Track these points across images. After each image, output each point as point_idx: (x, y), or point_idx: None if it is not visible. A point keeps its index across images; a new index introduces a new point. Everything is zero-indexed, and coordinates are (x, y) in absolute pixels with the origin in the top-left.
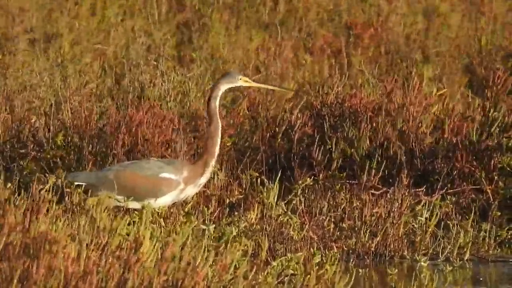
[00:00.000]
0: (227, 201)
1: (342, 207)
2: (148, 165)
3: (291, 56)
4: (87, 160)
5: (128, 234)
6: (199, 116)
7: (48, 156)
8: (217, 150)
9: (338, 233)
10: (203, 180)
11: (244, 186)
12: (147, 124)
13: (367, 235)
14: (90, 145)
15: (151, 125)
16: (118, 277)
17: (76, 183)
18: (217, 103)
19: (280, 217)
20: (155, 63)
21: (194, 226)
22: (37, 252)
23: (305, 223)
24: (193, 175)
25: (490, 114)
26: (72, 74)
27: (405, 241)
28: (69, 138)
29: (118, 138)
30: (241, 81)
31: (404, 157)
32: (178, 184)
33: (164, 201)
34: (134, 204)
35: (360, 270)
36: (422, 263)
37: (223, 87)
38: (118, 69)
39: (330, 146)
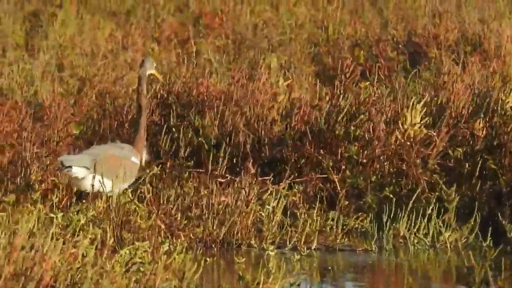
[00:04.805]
0: (75, 189)
1: (189, 195)
2: (121, 149)
3: (140, 45)
4: None
5: None
6: (46, 105)
7: None
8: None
9: (186, 221)
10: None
11: None
12: None
13: (214, 223)
14: None
15: (0, 113)
16: None
17: (70, 166)
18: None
19: (127, 205)
20: (2, 52)
21: (42, 214)
22: None
23: (153, 211)
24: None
25: (337, 103)
26: None
27: (253, 229)
28: None
29: None
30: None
31: (252, 146)
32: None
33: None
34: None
35: (208, 259)
36: (270, 252)
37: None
38: None
39: (177, 135)
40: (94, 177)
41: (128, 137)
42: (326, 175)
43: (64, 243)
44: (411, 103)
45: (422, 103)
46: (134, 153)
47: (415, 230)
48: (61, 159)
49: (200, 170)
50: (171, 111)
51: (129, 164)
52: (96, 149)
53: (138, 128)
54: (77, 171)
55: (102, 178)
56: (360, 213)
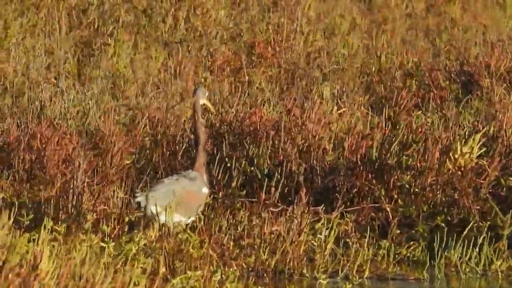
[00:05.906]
0: (127, 219)
1: (241, 225)
2: (193, 180)
3: (191, 74)
4: None
5: (27, 252)
6: (98, 134)
7: None
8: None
9: (238, 251)
10: None
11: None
12: (47, 142)
13: (266, 253)
14: None
15: (52, 142)
16: None
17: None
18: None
19: (179, 235)
20: (55, 81)
21: (94, 244)
22: None
23: (205, 241)
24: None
25: (390, 133)
26: None
27: (305, 258)
28: None
29: (18, 155)
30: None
31: (304, 175)
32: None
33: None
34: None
35: None
36: (322, 281)
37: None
38: (18, 87)
39: (230, 164)
40: (169, 213)
41: (181, 167)
42: (378, 204)
43: (115, 272)
44: (463, 133)
45: (479, 134)
46: (203, 182)
47: (466, 258)
48: (138, 200)
49: (252, 199)
50: (224, 141)
51: (201, 195)
52: (170, 184)
53: (197, 156)
54: (155, 210)
55: (179, 214)
56: (412, 242)
